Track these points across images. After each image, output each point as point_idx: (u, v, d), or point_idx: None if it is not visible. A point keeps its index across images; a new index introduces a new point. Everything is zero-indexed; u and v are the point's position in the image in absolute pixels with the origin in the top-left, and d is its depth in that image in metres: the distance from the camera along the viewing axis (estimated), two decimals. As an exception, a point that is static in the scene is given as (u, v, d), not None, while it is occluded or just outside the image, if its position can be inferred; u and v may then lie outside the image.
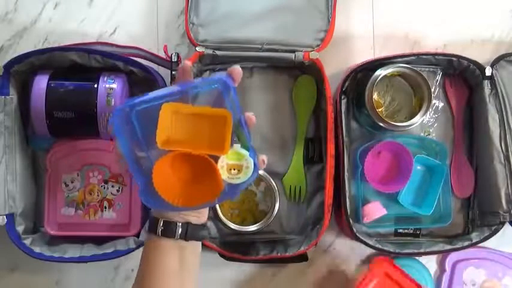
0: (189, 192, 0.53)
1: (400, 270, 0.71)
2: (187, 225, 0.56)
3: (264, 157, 0.56)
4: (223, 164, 0.52)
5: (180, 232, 0.55)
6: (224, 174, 0.52)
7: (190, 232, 0.56)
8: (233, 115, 0.51)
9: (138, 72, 0.71)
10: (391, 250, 0.73)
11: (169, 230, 0.55)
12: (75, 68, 0.71)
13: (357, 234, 0.72)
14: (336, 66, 0.79)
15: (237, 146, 0.52)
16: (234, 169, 0.52)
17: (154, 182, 0.51)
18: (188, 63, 0.56)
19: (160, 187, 0.51)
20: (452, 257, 0.78)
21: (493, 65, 0.75)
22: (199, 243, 0.58)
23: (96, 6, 0.80)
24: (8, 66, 0.68)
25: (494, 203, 0.73)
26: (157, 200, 0.52)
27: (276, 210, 0.75)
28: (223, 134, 0.51)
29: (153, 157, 0.52)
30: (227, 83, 0.50)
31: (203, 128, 0.51)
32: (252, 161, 0.52)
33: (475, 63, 0.75)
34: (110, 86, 0.69)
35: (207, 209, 0.60)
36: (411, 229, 0.78)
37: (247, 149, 0.52)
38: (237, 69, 0.53)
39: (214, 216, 0.75)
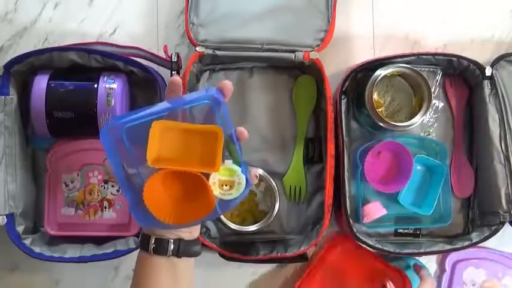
0: (181, 210, 0.53)
1: (356, 245, 0.73)
2: (179, 241, 0.55)
3: (256, 171, 0.55)
4: (215, 180, 0.51)
5: (172, 249, 0.55)
6: (216, 191, 0.51)
7: (183, 248, 0.56)
8: (224, 130, 0.50)
9: (138, 72, 0.71)
10: (391, 250, 0.73)
11: (161, 247, 0.55)
12: (75, 68, 0.71)
13: (357, 234, 0.72)
14: (336, 66, 0.79)
15: (229, 162, 0.51)
16: (226, 185, 0.51)
17: (145, 199, 0.50)
18: (178, 78, 0.55)
19: (152, 205, 0.51)
20: (452, 257, 0.78)
21: (493, 65, 0.75)
22: (192, 259, 0.58)
23: (96, 6, 0.79)
24: (8, 66, 0.68)
25: (494, 203, 0.73)
26: (149, 218, 0.51)
27: (276, 210, 0.75)
28: (215, 151, 0.50)
29: (144, 174, 0.51)
30: (217, 99, 0.49)
31: (194, 144, 0.51)
32: (244, 176, 0.51)
33: (475, 63, 0.75)
34: (110, 86, 0.69)
35: (199, 224, 0.60)
36: (411, 229, 0.78)
37: (239, 164, 0.52)
38: (228, 84, 0.52)
39: (214, 216, 0.75)
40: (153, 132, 0.49)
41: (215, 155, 0.50)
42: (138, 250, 0.57)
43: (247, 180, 0.52)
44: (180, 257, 0.56)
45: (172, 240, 0.55)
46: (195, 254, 0.58)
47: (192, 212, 0.52)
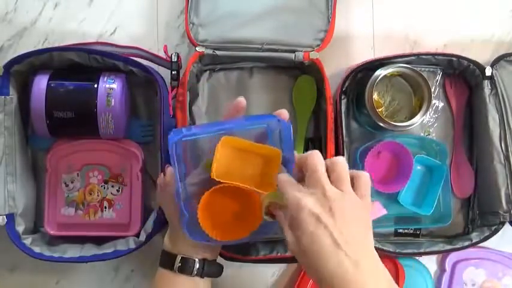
0: (228, 227, 0.54)
1: None
2: (204, 261, 0.57)
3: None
4: (265, 202, 0.51)
5: (197, 269, 0.56)
6: (263, 212, 0.52)
7: (207, 269, 0.57)
8: (285, 153, 0.51)
9: (138, 72, 0.71)
10: (391, 250, 0.73)
11: (186, 267, 0.56)
12: (75, 68, 0.71)
13: (357, 234, 0.71)
14: (336, 66, 0.79)
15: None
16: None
17: (199, 212, 0.52)
18: (244, 100, 0.56)
19: (203, 218, 0.52)
20: (452, 257, 0.78)
21: (493, 65, 0.75)
22: (210, 279, 0.59)
23: (96, 6, 0.79)
24: (8, 66, 0.68)
25: (494, 203, 0.73)
26: (194, 231, 0.52)
27: (276, 210, 0.75)
28: (272, 172, 0.51)
29: (189, 188, 0.52)
30: (284, 122, 0.51)
31: (253, 163, 0.52)
32: None
33: (475, 63, 0.75)
34: (110, 86, 0.69)
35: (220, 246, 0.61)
36: (411, 229, 0.78)
37: None
38: (284, 111, 0.54)
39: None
40: (220, 146, 0.51)
41: (272, 176, 0.51)
42: (159, 268, 0.58)
43: None
44: (203, 277, 0.57)
45: (197, 260, 0.56)
46: (216, 275, 0.59)
47: (237, 230, 0.54)
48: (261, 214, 0.52)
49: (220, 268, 0.60)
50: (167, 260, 0.57)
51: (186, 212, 0.52)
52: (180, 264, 0.55)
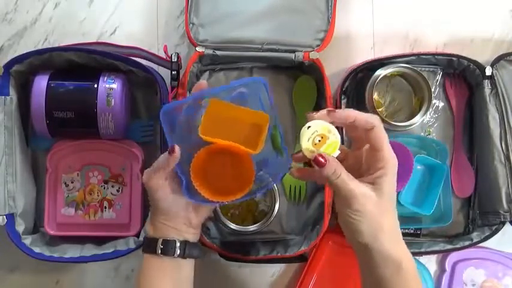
0: (221, 187, 0.56)
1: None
2: (185, 243, 0.58)
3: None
4: (314, 132, 0.51)
5: (178, 249, 0.58)
6: (308, 142, 0.51)
7: (188, 249, 0.58)
8: (270, 117, 0.55)
9: (138, 72, 0.71)
10: (391, 250, 0.73)
11: (169, 249, 0.57)
12: (75, 68, 0.71)
13: (357, 234, 0.71)
14: (336, 66, 0.79)
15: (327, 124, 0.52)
16: (319, 140, 0.52)
17: (192, 172, 0.54)
18: (204, 82, 0.58)
19: (195, 178, 0.54)
20: (452, 257, 0.78)
21: (493, 64, 0.75)
22: (193, 261, 0.61)
23: (96, 6, 0.80)
24: (8, 66, 0.68)
25: (495, 202, 0.73)
26: (194, 194, 0.55)
27: (276, 211, 0.75)
28: (259, 134, 0.54)
29: (187, 156, 0.55)
30: (265, 84, 0.54)
31: (241, 126, 0.55)
32: (339, 139, 0.52)
33: (475, 62, 0.75)
34: (110, 86, 0.69)
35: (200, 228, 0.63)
36: (411, 229, 0.78)
37: (281, 150, 0.56)
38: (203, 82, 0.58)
39: (214, 217, 0.75)
40: (209, 108, 0.54)
41: (259, 137, 0.54)
42: (144, 255, 0.59)
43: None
44: (186, 258, 0.58)
45: (178, 242, 0.58)
46: (199, 256, 0.60)
47: (231, 191, 0.56)
48: (252, 176, 0.55)
49: (202, 250, 0.62)
50: (150, 245, 0.58)
51: (183, 176, 0.55)
52: (162, 247, 0.57)
